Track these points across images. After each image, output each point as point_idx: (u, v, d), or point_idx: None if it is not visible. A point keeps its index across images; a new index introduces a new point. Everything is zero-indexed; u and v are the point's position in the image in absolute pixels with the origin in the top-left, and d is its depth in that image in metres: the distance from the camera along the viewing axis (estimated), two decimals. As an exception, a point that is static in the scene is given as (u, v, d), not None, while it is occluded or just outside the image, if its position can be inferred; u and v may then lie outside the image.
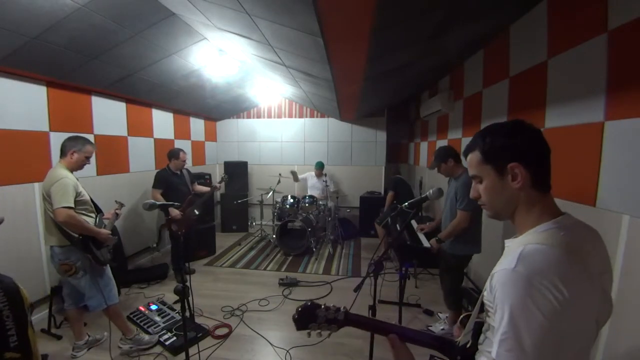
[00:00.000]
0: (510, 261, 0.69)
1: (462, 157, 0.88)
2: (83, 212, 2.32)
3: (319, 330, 1.01)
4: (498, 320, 0.68)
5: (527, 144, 0.77)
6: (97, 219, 2.42)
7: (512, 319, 0.64)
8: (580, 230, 0.76)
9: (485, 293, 0.76)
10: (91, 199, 2.44)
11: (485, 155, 0.81)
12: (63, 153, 2.35)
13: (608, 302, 0.73)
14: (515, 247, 0.72)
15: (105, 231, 2.39)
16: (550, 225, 0.74)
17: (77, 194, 2.27)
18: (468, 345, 0.88)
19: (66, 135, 3.15)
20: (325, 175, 5.51)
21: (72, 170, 2.34)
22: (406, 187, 5.11)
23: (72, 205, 2.20)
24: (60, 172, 2.25)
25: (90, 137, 3.48)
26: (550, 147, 0.80)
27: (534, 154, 0.77)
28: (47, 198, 2.23)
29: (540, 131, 0.79)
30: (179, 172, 3.90)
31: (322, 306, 1.02)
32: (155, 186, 3.70)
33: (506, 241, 0.81)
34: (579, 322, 0.66)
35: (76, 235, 2.27)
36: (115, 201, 2.67)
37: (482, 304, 0.81)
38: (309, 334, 1.00)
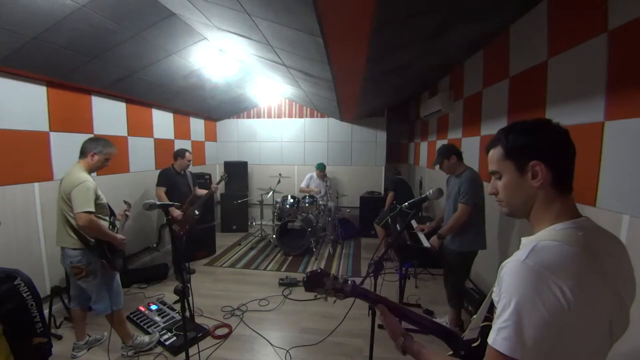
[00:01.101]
0: (522, 254, 0.68)
1: (485, 152, 0.88)
2: (100, 215, 2.29)
3: (325, 295, 1.12)
4: (500, 308, 0.68)
5: (550, 143, 0.76)
6: (111, 222, 2.41)
7: (516, 310, 0.64)
8: (599, 233, 0.75)
9: (494, 289, 0.75)
10: (107, 202, 2.43)
11: (507, 152, 0.80)
12: (83, 154, 2.33)
13: (624, 312, 0.71)
14: (528, 243, 0.72)
15: (121, 236, 2.37)
16: (568, 225, 0.73)
17: (97, 197, 2.25)
18: (475, 344, 0.88)
19: (66, 135, 3.18)
20: (326, 176, 5.51)
21: (90, 171, 2.32)
22: (406, 187, 5.11)
23: (94, 210, 2.18)
24: (81, 174, 2.23)
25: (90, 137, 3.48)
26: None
27: (557, 154, 0.76)
28: (66, 200, 2.19)
29: (566, 131, 0.77)
30: (182, 173, 3.91)
31: (331, 275, 1.12)
32: (159, 184, 3.72)
33: (522, 239, 0.81)
34: (587, 323, 0.65)
35: (92, 240, 2.25)
36: (124, 201, 2.66)
37: (492, 302, 0.81)
38: (316, 296, 1.10)
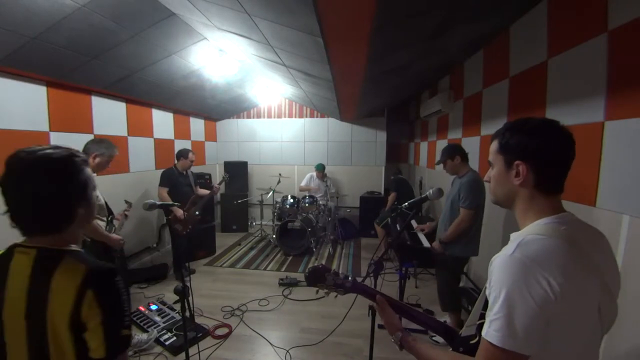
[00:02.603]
0: (510, 248, 0.71)
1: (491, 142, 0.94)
2: (97, 215, 2.29)
3: (326, 290, 1.15)
4: (492, 301, 0.70)
5: (541, 146, 0.77)
6: (109, 222, 2.40)
7: (506, 302, 0.66)
8: (582, 228, 0.78)
9: (487, 285, 0.77)
10: (105, 202, 2.41)
11: (500, 146, 0.84)
12: (85, 154, 2.33)
13: (613, 303, 0.73)
14: (516, 238, 0.75)
15: (116, 237, 2.37)
16: (551, 220, 0.76)
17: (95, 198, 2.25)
18: (473, 342, 0.89)
19: (66, 135, 3.17)
20: (326, 176, 5.51)
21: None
22: (408, 187, 5.09)
23: None
24: None
25: (90, 137, 3.48)
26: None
27: (543, 159, 0.78)
28: None
29: (566, 136, 0.78)
30: (184, 173, 3.92)
31: (332, 271, 1.15)
32: (161, 184, 3.72)
33: (511, 235, 0.83)
34: (574, 313, 0.67)
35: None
36: (125, 201, 2.66)
37: (486, 298, 0.82)
38: (317, 291, 1.16)
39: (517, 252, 0.69)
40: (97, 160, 2.33)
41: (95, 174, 2.30)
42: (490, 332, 0.68)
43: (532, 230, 0.75)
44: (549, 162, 0.78)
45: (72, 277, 0.79)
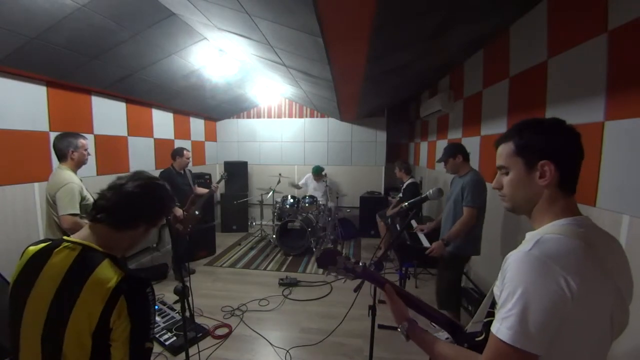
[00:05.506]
0: (527, 246, 0.70)
1: (494, 147, 0.88)
2: (84, 215, 2.28)
3: (335, 274, 1.15)
4: (504, 297, 0.68)
5: (562, 145, 0.77)
6: None
7: (520, 299, 0.65)
8: (599, 232, 0.77)
9: (497, 283, 0.76)
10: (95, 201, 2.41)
11: (518, 148, 0.80)
12: (63, 156, 2.28)
13: (625, 309, 0.73)
14: (533, 236, 0.73)
15: None
16: (570, 221, 0.75)
17: (82, 199, 2.23)
18: (479, 338, 0.88)
19: (66, 135, 3.18)
20: (325, 175, 5.51)
21: (77, 168, 2.30)
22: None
23: (78, 212, 2.17)
24: (65, 176, 2.20)
25: (90, 137, 3.49)
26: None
27: (567, 157, 0.77)
28: (51, 202, 2.19)
29: (578, 135, 0.78)
30: (182, 172, 3.91)
31: (343, 254, 1.15)
32: None
33: (527, 233, 0.82)
34: (589, 314, 0.66)
35: None
36: None
37: (494, 297, 0.81)
38: (327, 274, 1.14)
39: (535, 250, 0.68)
40: (76, 156, 2.28)
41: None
42: (502, 329, 0.66)
43: (549, 230, 0.74)
44: (571, 160, 0.78)
45: (108, 278, 0.82)
